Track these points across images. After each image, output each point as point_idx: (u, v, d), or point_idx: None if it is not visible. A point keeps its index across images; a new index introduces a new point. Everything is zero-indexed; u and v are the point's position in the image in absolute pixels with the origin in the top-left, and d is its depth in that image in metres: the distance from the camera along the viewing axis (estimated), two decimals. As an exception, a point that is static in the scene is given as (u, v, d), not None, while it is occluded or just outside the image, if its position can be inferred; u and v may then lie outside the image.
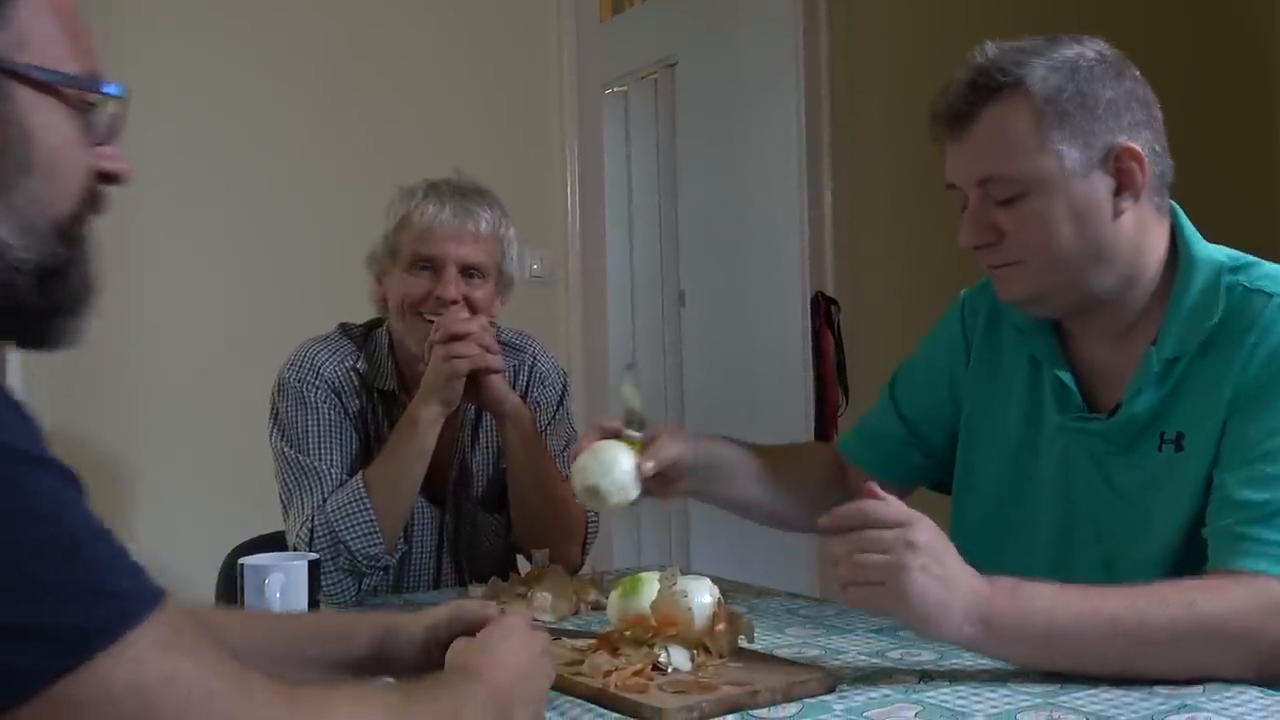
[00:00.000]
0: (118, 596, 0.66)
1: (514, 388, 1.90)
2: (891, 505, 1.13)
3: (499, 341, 1.83)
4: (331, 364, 1.81)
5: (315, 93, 2.83)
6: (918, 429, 1.56)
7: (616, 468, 1.32)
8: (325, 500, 1.72)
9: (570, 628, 1.44)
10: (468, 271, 1.77)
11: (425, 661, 1.04)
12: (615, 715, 1.08)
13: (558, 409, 1.94)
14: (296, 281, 2.76)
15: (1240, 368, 1.23)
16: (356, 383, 1.82)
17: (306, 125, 2.80)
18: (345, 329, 1.89)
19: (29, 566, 0.63)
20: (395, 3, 2.95)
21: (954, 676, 1.17)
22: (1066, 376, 1.36)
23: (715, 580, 1.26)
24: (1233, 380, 1.23)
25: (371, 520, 1.69)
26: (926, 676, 1.17)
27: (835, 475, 1.61)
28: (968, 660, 1.23)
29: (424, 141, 2.88)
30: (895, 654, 1.28)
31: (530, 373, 1.94)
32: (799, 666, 1.20)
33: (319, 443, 1.76)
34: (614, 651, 1.15)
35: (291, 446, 1.77)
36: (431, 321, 1.76)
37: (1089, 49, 1.28)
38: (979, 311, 1.51)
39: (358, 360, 1.83)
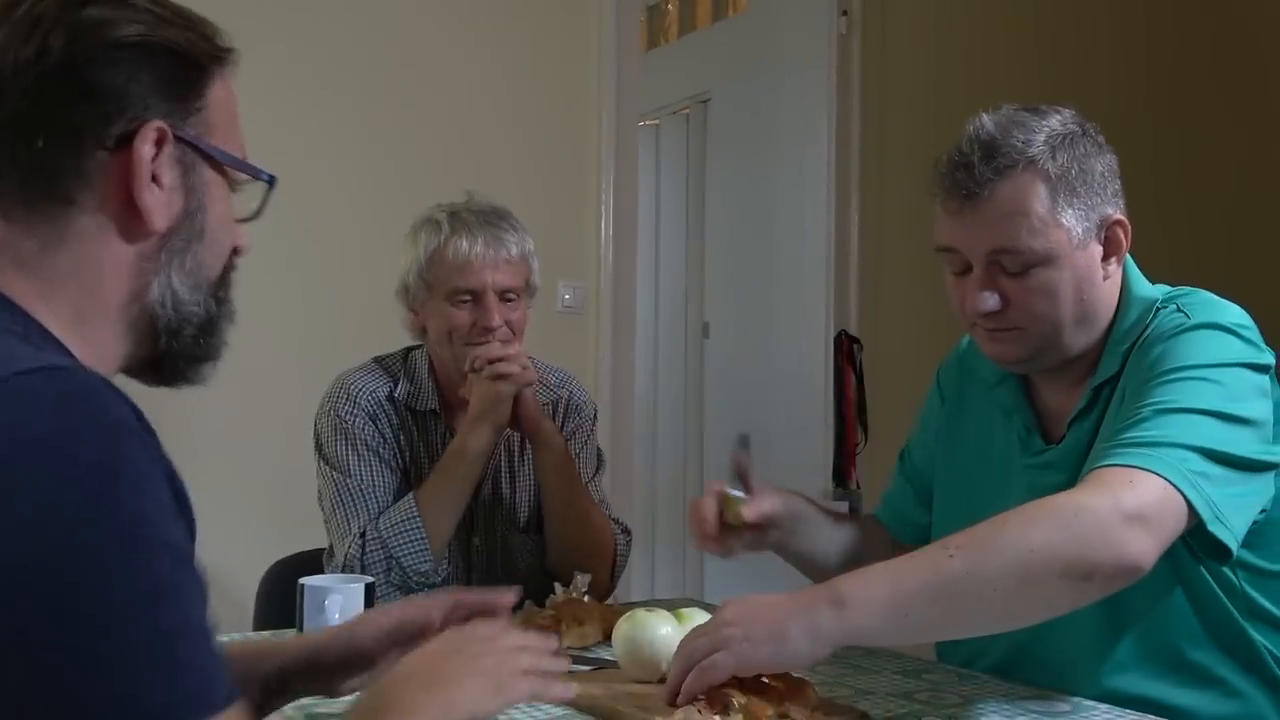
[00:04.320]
0: (204, 689, 0.70)
1: (553, 420, 1.98)
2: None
3: (540, 382, 1.93)
4: (366, 393, 1.90)
5: (352, 123, 2.89)
6: (922, 491, 1.66)
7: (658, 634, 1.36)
8: (376, 519, 1.80)
9: (593, 656, 1.49)
10: (504, 295, 1.86)
11: (361, 667, 1.14)
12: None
13: (589, 435, 2.04)
14: (332, 308, 2.82)
15: (1130, 371, 1.34)
16: (391, 409, 1.90)
17: (343, 154, 2.87)
18: (379, 360, 1.98)
19: (118, 641, 0.67)
20: (435, 33, 3.02)
21: (980, 718, 1.22)
22: (1029, 421, 1.47)
23: None
24: (1126, 383, 1.34)
25: (423, 538, 1.79)
26: None
27: (886, 538, 1.67)
28: (994, 706, 1.28)
29: (461, 171, 2.93)
30: (924, 696, 1.32)
31: (567, 405, 2.03)
32: (833, 704, 1.24)
33: (360, 467, 1.85)
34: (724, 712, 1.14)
35: (337, 470, 1.85)
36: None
37: (1070, 121, 1.36)
38: (951, 373, 1.64)
39: (394, 388, 1.91)
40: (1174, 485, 1.18)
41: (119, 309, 0.87)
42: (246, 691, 0.86)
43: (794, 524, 1.55)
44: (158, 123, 0.86)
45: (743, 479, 1.48)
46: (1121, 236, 1.37)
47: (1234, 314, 1.35)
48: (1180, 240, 3.74)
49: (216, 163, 0.91)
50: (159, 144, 0.86)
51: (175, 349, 0.91)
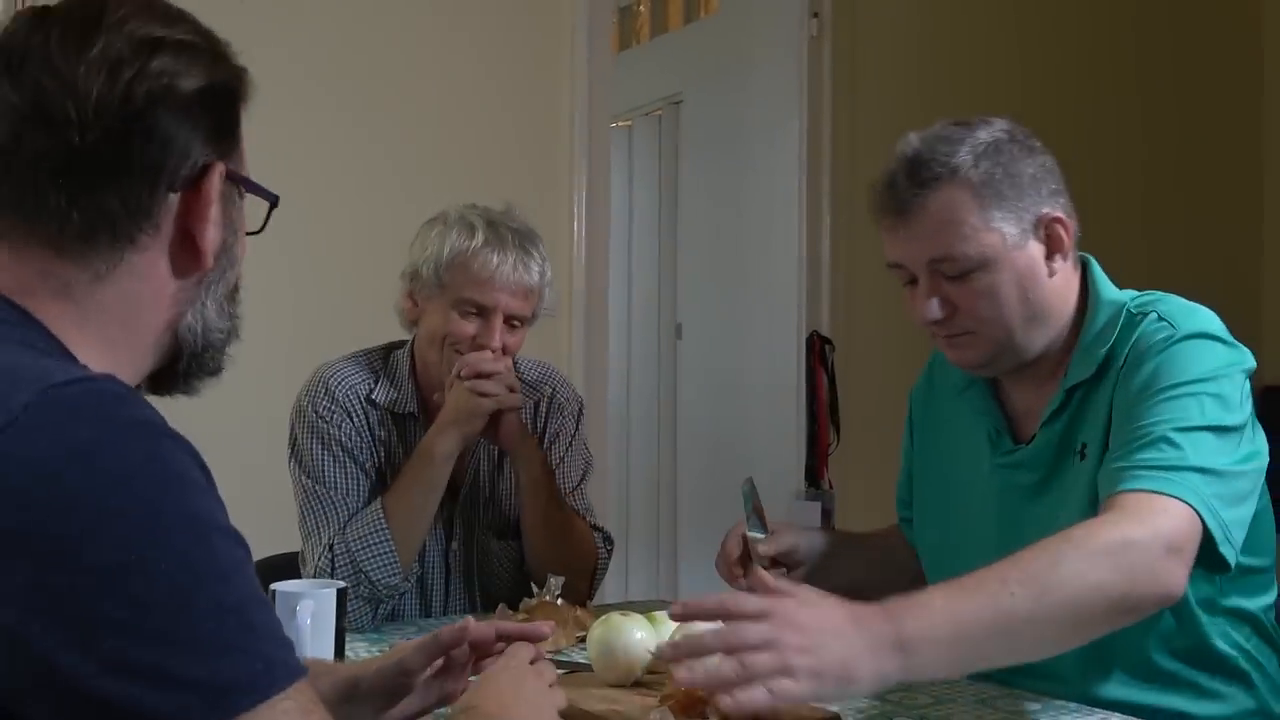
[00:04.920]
0: (270, 662, 0.72)
1: (535, 421, 1.94)
2: (751, 598, 1.12)
3: (521, 379, 1.87)
4: (345, 388, 1.85)
5: (325, 123, 2.88)
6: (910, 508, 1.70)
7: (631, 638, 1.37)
8: (343, 528, 1.76)
9: (566, 659, 1.49)
10: (510, 320, 1.81)
11: (399, 691, 1.12)
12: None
13: (574, 436, 1.97)
14: (311, 300, 2.81)
15: (1122, 382, 1.36)
16: (370, 408, 1.85)
17: (316, 156, 2.85)
18: (361, 355, 1.92)
19: (201, 623, 0.70)
20: (411, 31, 3.01)
21: (951, 718, 1.22)
22: (999, 423, 1.50)
23: None
24: (1118, 393, 1.37)
25: (391, 550, 1.74)
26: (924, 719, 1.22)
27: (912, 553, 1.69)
28: (965, 706, 1.28)
29: (434, 171, 2.94)
30: (895, 696, 1.33)
31: (550, 403, 1.97)
32: (804, 704, 1.24)
33: (335, 471, 1.80)
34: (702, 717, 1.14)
35: (308, 475, 1.81)
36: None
37: (999, 130, 1.40)
38: (919, 394, 1.68)
39: (373, 389, 1.86)
40: (1196, 511, 1.22)
41: (153, 338, 0.90)
42: None
43: (821, 559, 1.60)
44: (221, 165, 0.89)
45: (761, 521, 1.57)
46: (1062, 233, 1.40)
47: (1213, 320, 1.39)
48: (1173, 241, 3.77)
49: (246, 192, 0.94)
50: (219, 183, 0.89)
51: (193, 368, 0.94)
